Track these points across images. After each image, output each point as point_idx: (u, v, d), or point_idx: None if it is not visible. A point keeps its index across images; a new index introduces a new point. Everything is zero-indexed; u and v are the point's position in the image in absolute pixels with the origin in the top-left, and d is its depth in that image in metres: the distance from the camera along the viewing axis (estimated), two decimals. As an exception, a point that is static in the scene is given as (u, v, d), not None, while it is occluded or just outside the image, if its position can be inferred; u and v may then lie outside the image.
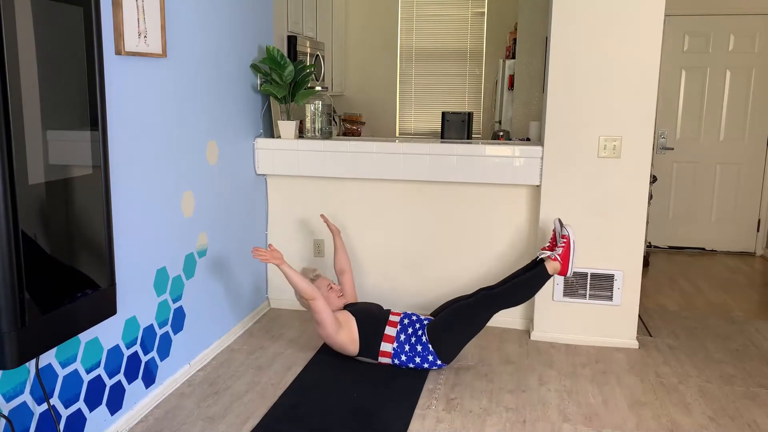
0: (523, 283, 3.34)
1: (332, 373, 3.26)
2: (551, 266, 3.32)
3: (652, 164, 3.79)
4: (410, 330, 3.33)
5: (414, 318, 3.39)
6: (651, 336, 3.89)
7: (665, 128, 5.96)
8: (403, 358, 3.30)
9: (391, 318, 3.38)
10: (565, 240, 3.33)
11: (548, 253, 3.38)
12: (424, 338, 3.29)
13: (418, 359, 3.29)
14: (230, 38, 3.55)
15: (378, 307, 3.50)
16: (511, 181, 3.76)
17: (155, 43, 2.76)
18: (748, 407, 3.03)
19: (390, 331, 3.33)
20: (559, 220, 3.44)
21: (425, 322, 3.37)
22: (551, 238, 3.49)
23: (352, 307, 3.47)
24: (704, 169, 5.97)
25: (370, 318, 3.37)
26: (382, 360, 3.34)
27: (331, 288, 3.47)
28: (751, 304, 4.55)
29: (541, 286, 3.36)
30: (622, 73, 3.50)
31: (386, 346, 3.31)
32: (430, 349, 3.27)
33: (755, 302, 4.58)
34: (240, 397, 3.02)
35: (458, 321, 3.29)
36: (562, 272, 3.34)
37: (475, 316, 3.29)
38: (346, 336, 3.31)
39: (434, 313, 3.53)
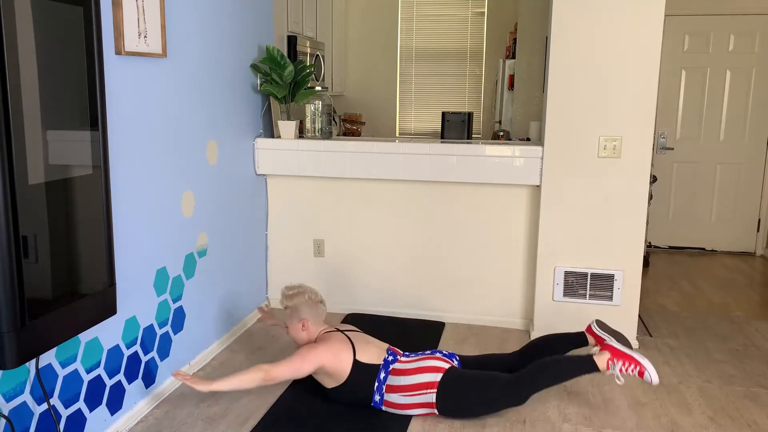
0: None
1: (332, 373, 3.25)
2: (601, 360, 2.82)
3: (652, 164, 3.79)
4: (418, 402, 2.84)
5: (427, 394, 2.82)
6: (651, 336, 3.89)
7: (665, 128, 5.96)
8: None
9: (390, 381, 2.85)
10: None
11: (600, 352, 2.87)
12: (434, 410, 2.83)
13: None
14: (230, 38, 3.55)
15: (373, 370, 2.88)
16: (511, 181, 3.76)
17: (155, 43, 2.76)
18: (748, 407, 3.03)
19: (391, 398, 2.86)
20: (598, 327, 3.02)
21: (435, 395, 2.80)
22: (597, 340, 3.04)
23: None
24: (704, 169, 5.97)
25: (360, 388, 2.88)
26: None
27: (304, 326, 2.97)
28: (751, 304, 4.55)
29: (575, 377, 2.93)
30: (622, 73, 3.50)
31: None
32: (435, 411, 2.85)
33: (755, 302, 4.58)
34: (240, 397, 3.02)
35: (476, 402, 2.83)
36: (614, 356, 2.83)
37: (497, 400, 2.83)
38: (331, 366, 2.84)
39: (465, 362, 3.02)
